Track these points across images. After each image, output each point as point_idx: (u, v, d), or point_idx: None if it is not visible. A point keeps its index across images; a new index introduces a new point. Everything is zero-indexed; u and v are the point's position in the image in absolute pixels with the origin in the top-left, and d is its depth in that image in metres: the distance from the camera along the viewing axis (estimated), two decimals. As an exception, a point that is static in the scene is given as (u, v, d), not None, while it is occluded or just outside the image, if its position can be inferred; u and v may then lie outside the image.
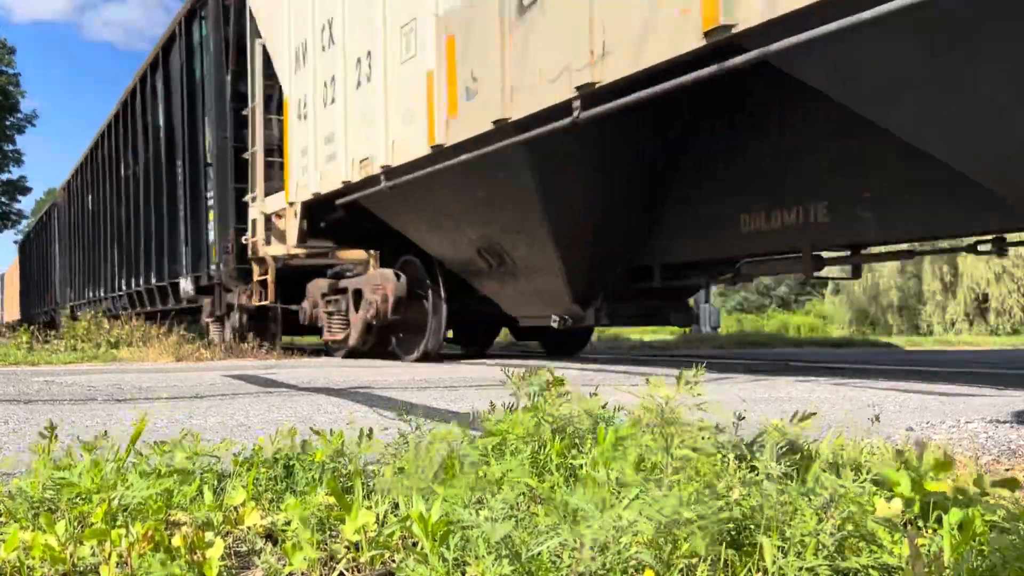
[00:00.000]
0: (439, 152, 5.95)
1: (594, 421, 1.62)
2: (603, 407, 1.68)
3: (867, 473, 1.23)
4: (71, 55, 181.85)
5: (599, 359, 8.92)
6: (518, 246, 6.41)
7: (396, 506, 1.47)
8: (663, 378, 1.36)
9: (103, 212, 17.39)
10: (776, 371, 6.23)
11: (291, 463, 1.66)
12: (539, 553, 1.08)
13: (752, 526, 1.14)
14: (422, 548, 1.16)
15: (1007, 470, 1.98)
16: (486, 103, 5.32)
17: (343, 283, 9.02)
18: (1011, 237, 4.77)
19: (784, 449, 1.30)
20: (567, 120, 4.58)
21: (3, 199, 39.26)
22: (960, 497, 1.27)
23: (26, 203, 54.66)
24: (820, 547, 1.08)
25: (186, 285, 11.75)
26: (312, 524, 1.31)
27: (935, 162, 3.59)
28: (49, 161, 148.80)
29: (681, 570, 1.08)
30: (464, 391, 4.35)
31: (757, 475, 1.25)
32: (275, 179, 9.23)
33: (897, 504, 1.19)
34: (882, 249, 5.41)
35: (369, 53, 6.95)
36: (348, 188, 7.45)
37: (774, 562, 1.07)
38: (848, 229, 4.97)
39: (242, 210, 10.06)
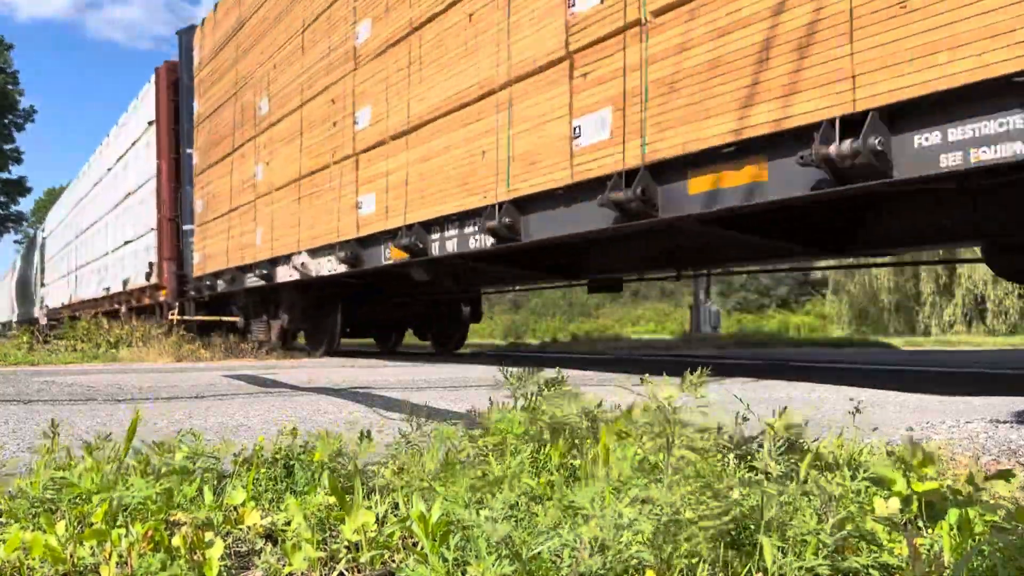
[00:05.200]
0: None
1: (592, 420, 1.62)
2: (599, 406, 1.68)
3: (864, 472, 1.23)
4: (73, 54, 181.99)
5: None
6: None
7: (396, 506, 1.47)
8: (663, 378, 1.36)
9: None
10: (776, 371, 6.23)
11: (291, 463, 1.66)
12: (539, 553, 1.08)
13: (752, 526, 1.14)
14: (422, 548, 1.16)
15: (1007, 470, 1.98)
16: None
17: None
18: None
19: (783, 449, 1.30)
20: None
21: (2, 199, 39.19)
22: (959, 496, 1.27)
23: (26, 204, 54.71)
24: (820, 547, 1.08)
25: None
26: (312, 524, 1.31)
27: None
28: (50, 161, 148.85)
29: (681, 570, 1.09)
30: (465, 391, 4.35)
31: (756, 475, 1.25)
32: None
33: (895, 503, 1.19)
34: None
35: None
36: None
37: (774, 562, 1.07)
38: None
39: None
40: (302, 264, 8.74)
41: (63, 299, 24.59)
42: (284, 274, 9.48)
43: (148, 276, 14.49)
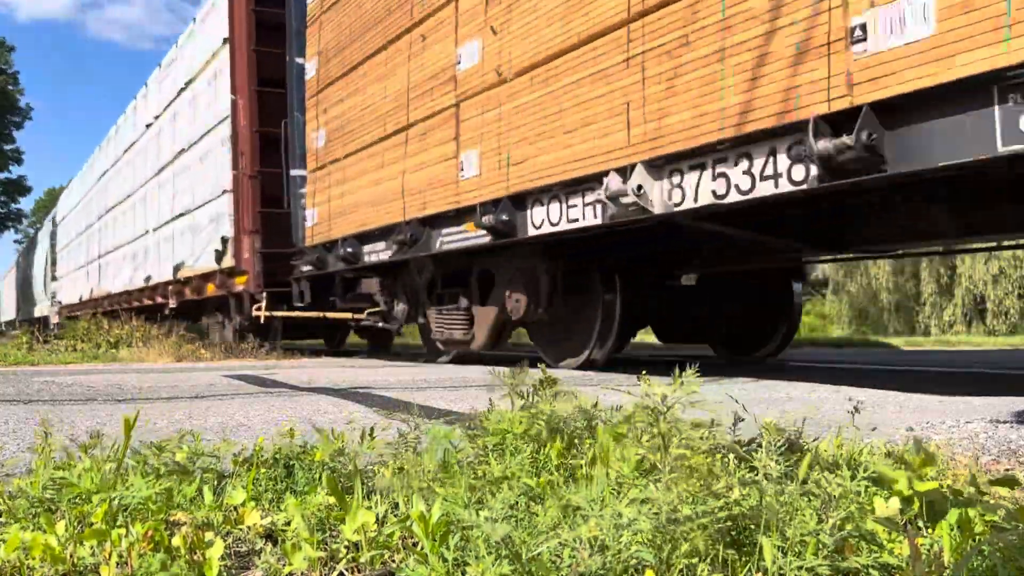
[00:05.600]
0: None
1: (591, 420, 1.62)
2: (595, 405, 1.68)
3: (865, 472, 1.23)
4: (73, 54, 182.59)
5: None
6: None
7: (396, 506, 1.47)
8: (662, 378, 1.36)
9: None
10: (776, 371, 6.23)
11: (291, 463, 1.66)
12: (539, 553, 1.08)
13: (752, 526, 1.14)
14: (422, 548, 1.16)
15: (1007, 470, 1.99)
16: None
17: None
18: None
19: (783, 448, 1.30)
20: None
21: (2, 198, 39.24)
22: (960, 497, 1.27)
23: (26, 204, 54.77)
24: (820, 547, 1.08)
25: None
26: (312, 524, 1.31)
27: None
28: (50, 161, 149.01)
29: (681, 570, 1.09)
30: (465, 391, 4.35)
31: (756, 475, 1.25)
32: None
33: (895, 503, 1.19)
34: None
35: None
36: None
37: (774, 562, 1.07)
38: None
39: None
40: (637, 190, 4.34)
41: (82, 293, 21.12)
42: (552, 218, 5.20)
43: (219, 257, 10.71)
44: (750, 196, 3.92)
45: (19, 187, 39.62)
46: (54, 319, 23.60)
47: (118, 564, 1.19)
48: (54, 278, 25.90)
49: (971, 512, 1.18)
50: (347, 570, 1.25)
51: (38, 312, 28.73)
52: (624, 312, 6.18)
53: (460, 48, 6.13)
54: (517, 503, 1.34)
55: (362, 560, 1.26)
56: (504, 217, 5.58)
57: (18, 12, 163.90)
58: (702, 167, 4.17)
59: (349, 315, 8.91)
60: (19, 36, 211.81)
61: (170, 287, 13.29)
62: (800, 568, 1.06)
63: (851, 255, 7.08)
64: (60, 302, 24.28)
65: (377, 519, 1.34)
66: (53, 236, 26.92)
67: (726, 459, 1.40)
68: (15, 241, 56.92)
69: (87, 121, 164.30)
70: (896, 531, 1.17)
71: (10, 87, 36.41)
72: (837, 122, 3.47)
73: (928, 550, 1.18)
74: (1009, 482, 1.33)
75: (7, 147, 37.75)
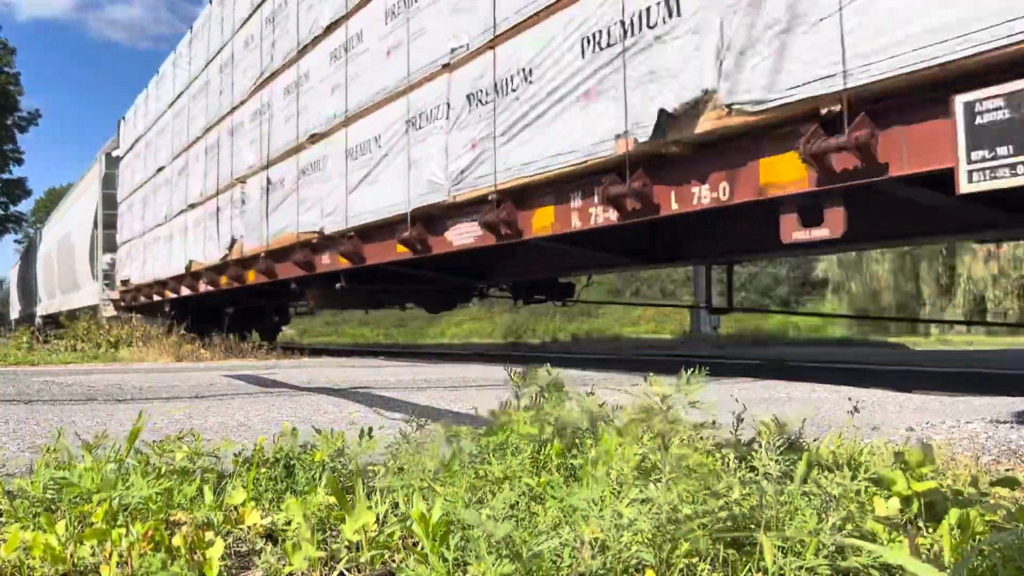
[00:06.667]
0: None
1: (593, 421, 1.62)
2: (601, 406, 1.68)
3: (866, 472, 1.23)
4: (74, 54, 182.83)
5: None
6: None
7: (396, 506, 1.47)
8: (663, 378, 1.36)
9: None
10: (776, 371, 6.23)
11: (291, 463, 1.66)
12: (540, 553, 1.08)
13: (752, 525, 1.14)
14: (422, 548, 1.16)
15: (1007, 470, 1.98)
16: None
17: None
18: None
19: (784, 448, 1.30)
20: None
21: (1, 199, 39.16)
22: (960, 497, 1.27)
23: (26, 205, 54.54)
24: (820, 546, 1.08)
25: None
26: (312, 524, 1.31)
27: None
28: (50, 161, 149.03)
29: (681, 569, 1.08)
30: (465, 391, 4.35)
31: (757, 475, 1.25)
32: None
33: (895, 503, 1.19)
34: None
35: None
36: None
37: (774, 562, 1.07)
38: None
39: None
40: None
41: (196, 254, 11.22)
42: None
43: None
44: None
45: (20, 188, 39.49)
46: (106, 311, 14.35)
47: (118, 564, 1.19)
48: (109, 248, 16.14)
49: (971, 512, 1.18)
50: (347, 570, 1.25)
51: (68, 304, 18.76)
52: None
53: None
54: (518, 503, 1.34)
55: (362, 560, 1.26)
56: None
57: (18, 12, 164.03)
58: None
59: None
60: (19, 36, 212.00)
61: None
62: (800, 568, 1.06)
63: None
64: (127, 281, 14.65)
65: (377, 519, 1.34)
66: (108, 182, 16.47)
67: (726, 458, 1.40)
68: (16, 242, 56.85)
69: (87, 121, 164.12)
70: (896, 531, 1.17)
71: (11, 87, 36.32)
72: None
73: (928, 550, 1.18)
74: (1010, 483, 1.33)
75: (7, 148, 37.63)
